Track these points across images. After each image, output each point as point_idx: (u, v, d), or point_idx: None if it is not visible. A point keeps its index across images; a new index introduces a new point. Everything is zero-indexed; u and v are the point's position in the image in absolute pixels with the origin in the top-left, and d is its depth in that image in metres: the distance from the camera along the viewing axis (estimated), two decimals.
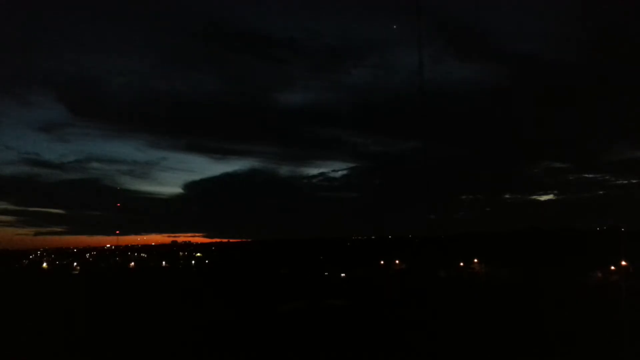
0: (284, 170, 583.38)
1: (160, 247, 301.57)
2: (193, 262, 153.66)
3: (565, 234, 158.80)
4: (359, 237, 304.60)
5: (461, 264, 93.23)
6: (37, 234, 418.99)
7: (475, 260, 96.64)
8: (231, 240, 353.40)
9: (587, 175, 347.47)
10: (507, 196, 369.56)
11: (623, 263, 71.82)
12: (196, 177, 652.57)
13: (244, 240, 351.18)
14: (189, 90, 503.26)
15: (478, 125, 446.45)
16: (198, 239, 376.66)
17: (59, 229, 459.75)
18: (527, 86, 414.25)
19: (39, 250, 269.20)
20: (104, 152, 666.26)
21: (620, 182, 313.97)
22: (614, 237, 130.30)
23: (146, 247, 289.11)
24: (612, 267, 71.84)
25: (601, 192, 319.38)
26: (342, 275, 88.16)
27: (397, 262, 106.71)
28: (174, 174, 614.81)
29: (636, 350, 28.71)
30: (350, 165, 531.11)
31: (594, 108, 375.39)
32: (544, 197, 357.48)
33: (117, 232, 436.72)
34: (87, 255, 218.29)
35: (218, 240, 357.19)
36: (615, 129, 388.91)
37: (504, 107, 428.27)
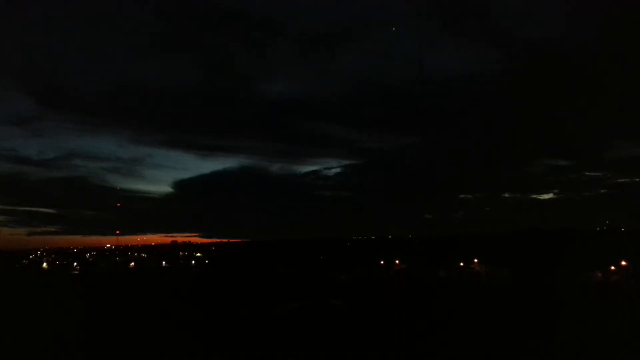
0: (275, 167, 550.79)
1: (160, 247, 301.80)
2: (193, 262, 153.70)
3: (566, 234, 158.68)
4: (359, 237, 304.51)
5: (461, 264, 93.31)
6: (30, 233, 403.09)
7: (475, 260, 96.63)
8: (231, 241, 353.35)
9: (588, 173, 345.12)
10: (506, 195, 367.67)
11: (623, 263, 71.90)
12: (185, 175, 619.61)
13: (243, 240, 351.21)
14: (166, 81, 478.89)
15: (476, 120, 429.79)
16: (195, 238, 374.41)
17: (53, 229, 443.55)
18: (526, 79, 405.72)
19: (39, 251, 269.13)
20: (84, 148, 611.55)
21: (622, 180, 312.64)
22: (614, 237, 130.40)
23: (146, 247, 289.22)
24: (612, 267, 71.92)
25: (603, 191, 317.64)
26: (342, 275, 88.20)
27: (397, 262, 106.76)
28: (162, 171, 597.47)
29: (637, 349, 28.76)
30: (344, 162, 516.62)
31: (596, 103, 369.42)
32: (544, 196, 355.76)
33: (117, 232, 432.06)
34: (87, 255, 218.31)
35: (216, 240, 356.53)
36: (617, 126, 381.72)
37: (503, 101, 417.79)
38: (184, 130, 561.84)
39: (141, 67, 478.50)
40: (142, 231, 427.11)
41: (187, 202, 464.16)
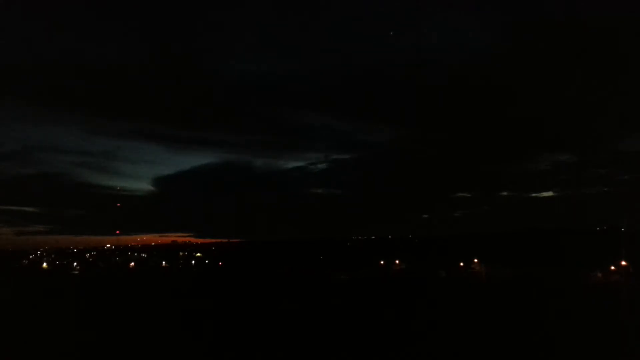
0: (259, 163, 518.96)
1: (160, 247, 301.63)
2: (193, 262, 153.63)
3: (565, 234, 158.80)
4: (359, 237, 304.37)
5: (461, 264, 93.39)
6: (19, 233, 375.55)
7: (475, 260, 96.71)
8: (231, 241, 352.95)
9: (591, 170, 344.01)
10: (505, 193, 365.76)
11: (623, 263, 71.92)
12: (163, 171, 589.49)
13: (242, 240, 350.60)
14: (118, 58, 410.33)
15: (475, 115, 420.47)
16: (190, 238, 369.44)
17: (42, 229, 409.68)
18: (526, 73, 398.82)
19: (38, 251, 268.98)
20: (43, 140, 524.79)
21: (624, 177, 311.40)
22: (614, 237, 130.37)
23: (146, 247, 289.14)
24: (612, 267, 71.97)
25: (605, 189, 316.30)
26: (343, 275, 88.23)
27: (397, 262, 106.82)
28: (138, 167, 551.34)
29: (637, 349, 28.77)
30: (331, 157, 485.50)
31: (598, 97, 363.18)
32: (544, 194, 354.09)
33: (118, 232, 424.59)
34: (87, 255, 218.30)
35: (214, 240, 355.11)
36: (621, 121, 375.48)
37: (503, 95, 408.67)
38: (150, 119, 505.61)
39: (91, 46, 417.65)
40: (135, 231, 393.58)
41: (174, 201, 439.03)
